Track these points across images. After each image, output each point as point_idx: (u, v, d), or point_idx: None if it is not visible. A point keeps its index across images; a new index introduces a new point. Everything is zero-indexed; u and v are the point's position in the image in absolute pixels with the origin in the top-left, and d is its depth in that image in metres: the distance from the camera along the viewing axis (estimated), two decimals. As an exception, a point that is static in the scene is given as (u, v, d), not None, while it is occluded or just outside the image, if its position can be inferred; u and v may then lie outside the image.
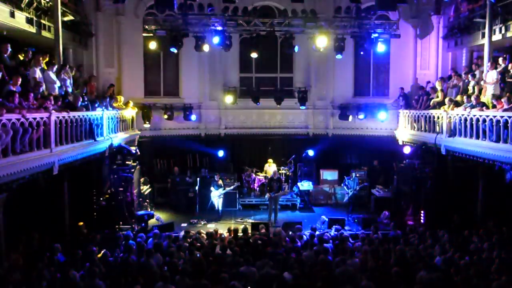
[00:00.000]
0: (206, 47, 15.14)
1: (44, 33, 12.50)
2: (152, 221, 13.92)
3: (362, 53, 15.95)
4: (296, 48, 15.62)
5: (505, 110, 10.23)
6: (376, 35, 14.90)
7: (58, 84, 11.33)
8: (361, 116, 17.21)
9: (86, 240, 10.73)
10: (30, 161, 8.17)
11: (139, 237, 10.82)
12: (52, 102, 9.75)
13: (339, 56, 15.55)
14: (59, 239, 10.18)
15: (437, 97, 14.45)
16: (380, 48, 15.15)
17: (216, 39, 14.71)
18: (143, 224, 13.19)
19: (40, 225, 10.47)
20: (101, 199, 13.46)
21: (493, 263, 8.81)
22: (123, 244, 10.35)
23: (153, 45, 15.30)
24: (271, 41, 16.21)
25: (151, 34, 14.94)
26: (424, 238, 11.22)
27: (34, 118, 8.41)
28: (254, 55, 15.39)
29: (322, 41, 14.61)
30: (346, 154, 17.62)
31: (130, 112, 15.31)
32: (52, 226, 11.05)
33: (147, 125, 16.44)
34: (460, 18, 15.67)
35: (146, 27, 14.96)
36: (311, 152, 17.10)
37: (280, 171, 16.65)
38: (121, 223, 13.03)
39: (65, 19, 13.30)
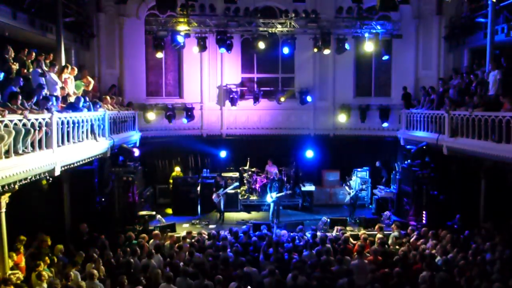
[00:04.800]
0: (207, 48, 15.10)
1: (46, 34, 12.51)
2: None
3: (364, 46, 16.01)
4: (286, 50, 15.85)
5: (507, 110, 10.19)
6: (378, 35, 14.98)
7: (60, 85, 11.34)
8: (363, 116, 17.21)
9: (88, 241, 10.73)
10: (32, 162, 8.17)
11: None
12: (54, 103, 9.75)
13: (347, 46, 15.82)
14: (60, 240, 10.18)
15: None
16: (384, 57, 16.06)
17: (217, 40, 14.70)
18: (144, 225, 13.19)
19: (42, 226, 10.46)
20: (103, 200, 13.45)
21: (494, 264, 8.79)
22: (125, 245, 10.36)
23: (154, 46, 15.29)
24: (272, 42, 16.18)
25: (153, 35, 14.94)
26: (426, 238, 11.20)
27: (36, 119, 8.41)
28: (261, 44, 15.39)
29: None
30: (348, 154, 17.55)
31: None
32: (54, 226, 11.05)
33: (153, 118, 16.49)
34: (461, 18, 15.65)
35: (148, 27, 14.96)
36: (310, 154, 17.10)
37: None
38: (123, 224, 13.02)
39: (67, 19, 13.32)
